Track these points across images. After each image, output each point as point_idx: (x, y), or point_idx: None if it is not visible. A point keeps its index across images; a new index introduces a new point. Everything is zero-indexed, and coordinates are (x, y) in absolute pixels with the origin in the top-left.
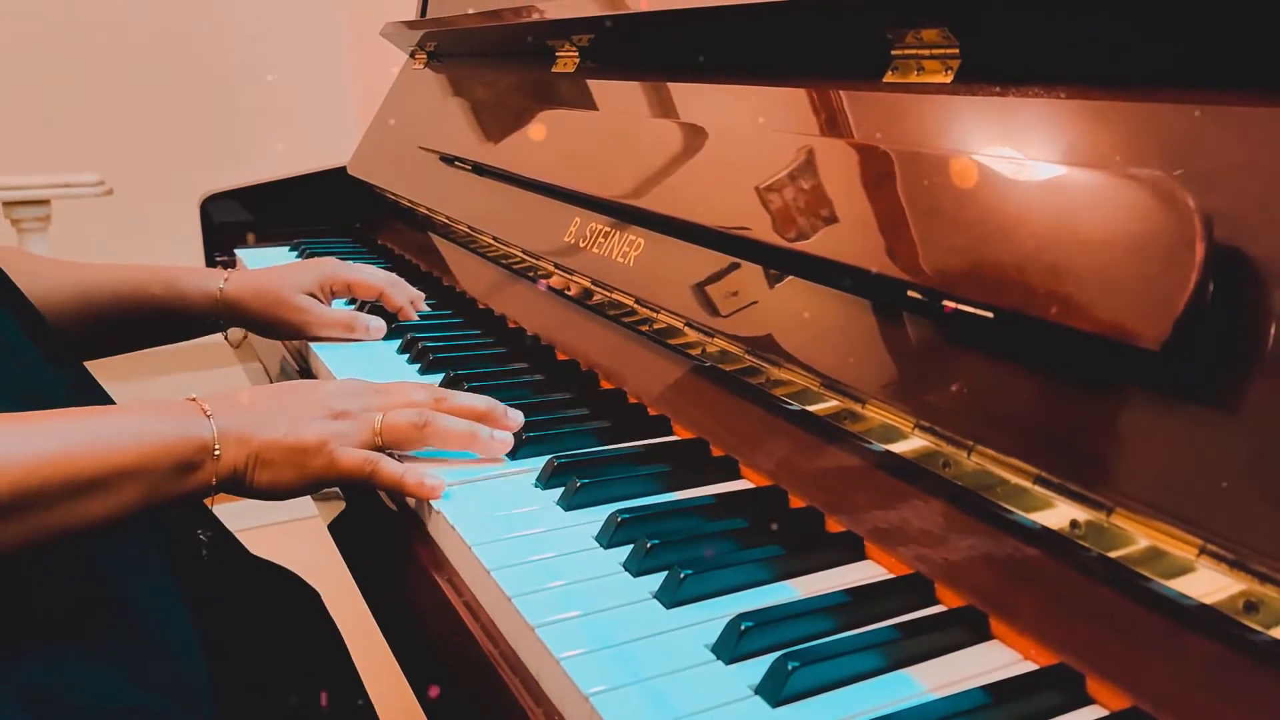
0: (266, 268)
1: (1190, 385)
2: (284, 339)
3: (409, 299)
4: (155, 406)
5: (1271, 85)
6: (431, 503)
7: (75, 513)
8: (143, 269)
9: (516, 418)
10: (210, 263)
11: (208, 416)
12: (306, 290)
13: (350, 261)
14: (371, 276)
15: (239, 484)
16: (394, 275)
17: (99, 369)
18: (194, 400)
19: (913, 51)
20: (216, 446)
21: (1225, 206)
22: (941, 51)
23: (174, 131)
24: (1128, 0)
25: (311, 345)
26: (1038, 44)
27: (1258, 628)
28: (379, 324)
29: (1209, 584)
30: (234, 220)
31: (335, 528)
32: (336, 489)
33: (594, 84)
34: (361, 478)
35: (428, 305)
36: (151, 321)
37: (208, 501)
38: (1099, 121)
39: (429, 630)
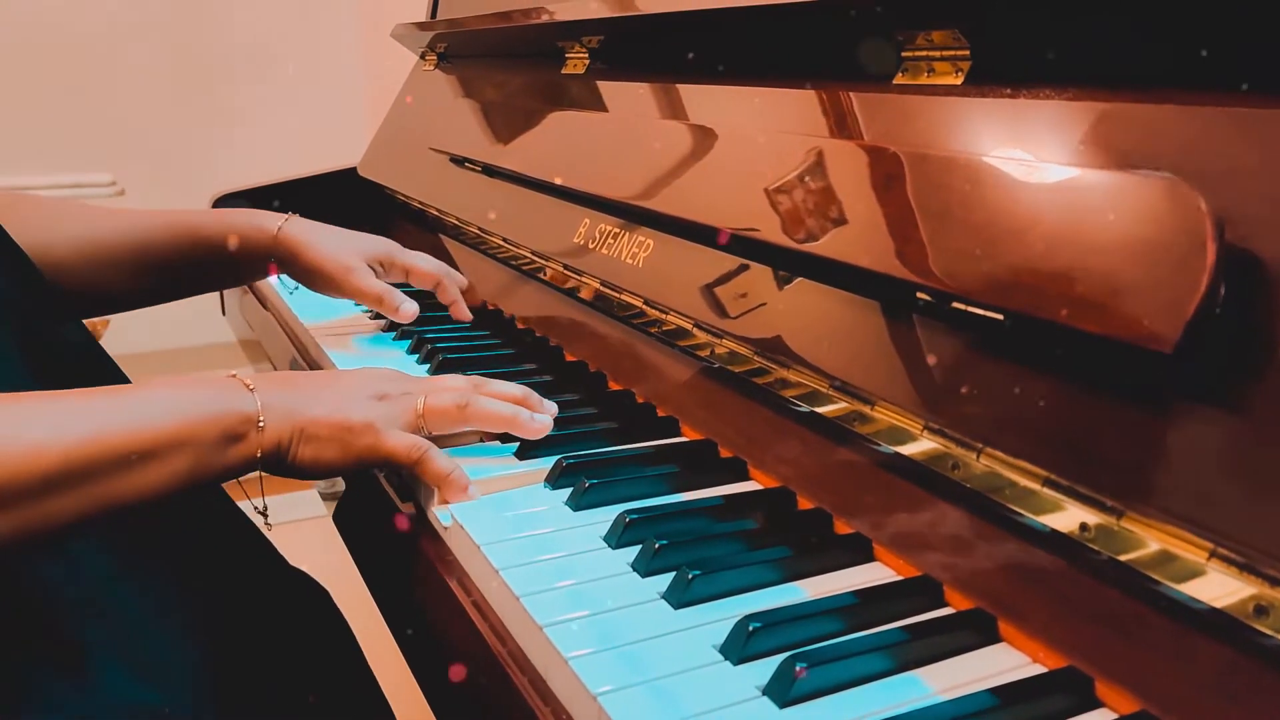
0: (326, 225)
1: (1201, 388)
2: (321, 292)
3: (459, 293)
4: (198, 381)
5: None
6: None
7: (125, 485)
8: (193, 214)
9: (551, 406)
10: None
11: (251, 390)
12: (366, 255)
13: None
14: (429, 264)
15: (281, 460)
16: (448, 266)
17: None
18: (234, 376)
19: (923, 53)
20: (261, 419)
21: (1237, 208)
22: (952, 53)
23: (186, 132)
24: (1137, 2)
25: (321, 345)
26: (1048, 45)
27: (1268, 631)
28: (412, 307)
29: (1219, 587)
30: None
31: (340, 519)
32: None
33: (603, 85)
34: (408, 464)
35: (438, 302)
36: (209, 265)
37: (248, 486)
38: (1110, 123)
39: (437, 628)
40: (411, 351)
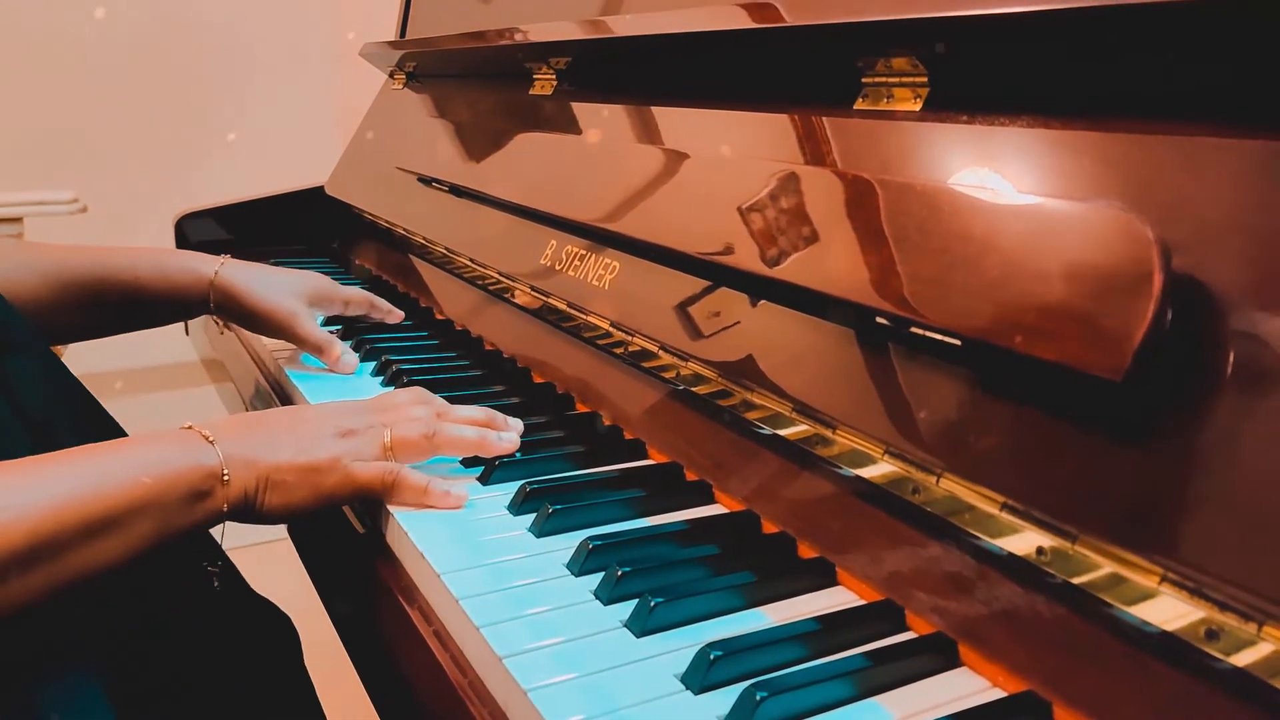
0: (261, 265)
1: (1151, 414)
2: (262, 334)
3: (389, 308)
4: (154, 438)
5: (1229, 117)
6: (402, 528)
7: (91, 556)
8: (125, 251)
9: (516, 425)
10: None
11: (210, 443)
12: (304, 295)
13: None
14: (361, 294)
15: (249, 509)
16: (369, 293)
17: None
18: (190, 428)
19: (883, 79)
20: (225, 472)
21: (1185, 237)
22: (911, 79)
23: (150, 149)
24: (1088, 34)
25: (287, 372)
26: (1004, 74)
27: (1218, 655)
28: (352, 359)
29: (1171, 611)
30: (209, 239)
31: (299, 542)
32: None
33: (570, 106)
34: (382, 489)
35: (405, 323)
36: (135, 305)
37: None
38: (1063, 151)
39: (396, 658)
40: (376, 374)
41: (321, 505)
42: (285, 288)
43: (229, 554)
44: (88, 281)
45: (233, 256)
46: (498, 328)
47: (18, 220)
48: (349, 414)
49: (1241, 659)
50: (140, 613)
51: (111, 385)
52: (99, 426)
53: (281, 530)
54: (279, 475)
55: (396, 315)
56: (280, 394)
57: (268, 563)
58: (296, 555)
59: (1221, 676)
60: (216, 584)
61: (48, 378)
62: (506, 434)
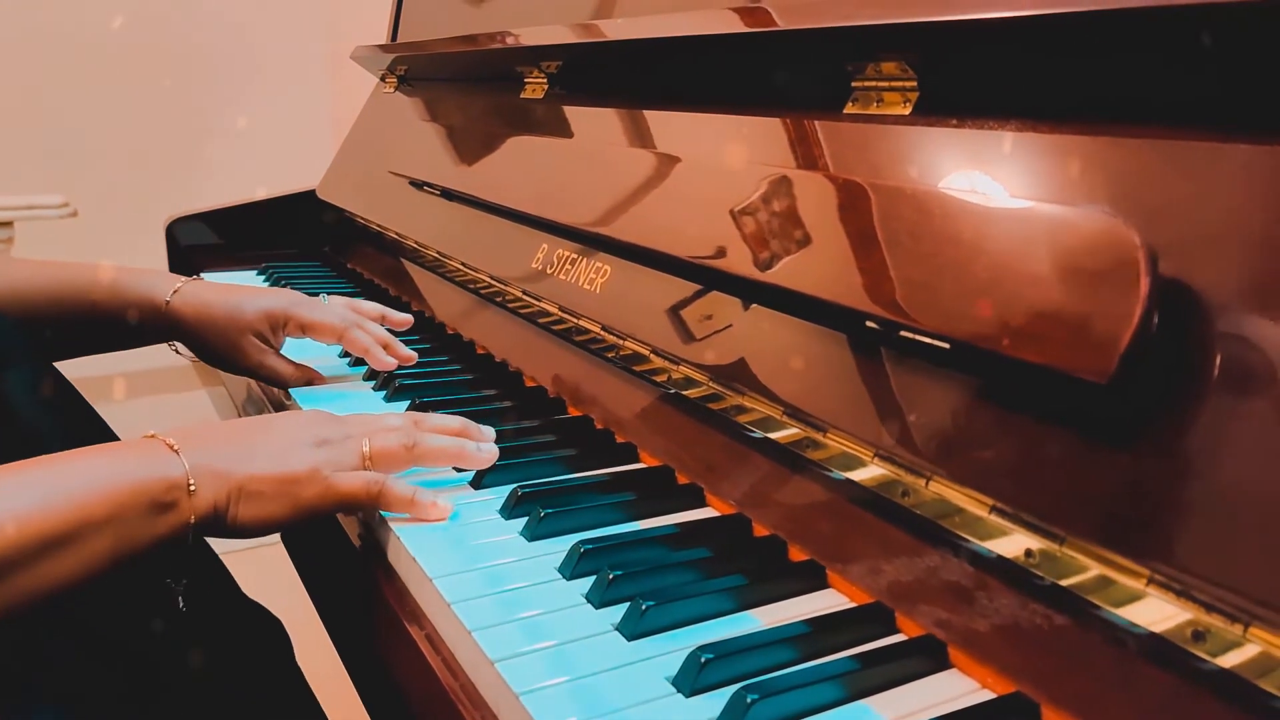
0: (224, 286)
1: (1137, 417)
2: (217, 367)
3: (375, 341)
4: (112, 448)
5: (1216, 122)
6: (394, 532)
7: (40, 577)
8: (86, 268)
9: (490, 434)
10: None
11: (175, 452)
12: (255, 328)
13: (320, 297)
14: (331, 317)
15: (220, 522)
16: (357, 316)
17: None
18: (153, 436)
19: (872, 83)
20: (191, 482)
21: (1171, 241)
22: (900, 84)
23: (140, 153)
24: (1075, 39)
25: None
26: (992, 78)
27: (1205, 656)
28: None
29: (1158, 612)
30: (200, 243)
31: (294, 552)
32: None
33: (562, 110)
34: (366, 500)
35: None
36: (91, 328)
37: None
38: (1050, 156)
39: (389, 661)
40: (367, 378)
41: (300, 518)
42: (239, 322)
43: (221, 556)
44: (47, 300)
45: (222, 262)
46: (490, 331)
47: (8, 224)
48: (323, 423)
49: (1228, 660)
50: (103, 638)
51: (110, 389)
52: (94, 437)
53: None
54: (253, 486)
55: (381, 362)
56: (271, 399)
57: (259, 565)
58: (288, 558)
59: (1208, 677)
60: (182, 603)
61: (39, 387)
62: (485, 445)
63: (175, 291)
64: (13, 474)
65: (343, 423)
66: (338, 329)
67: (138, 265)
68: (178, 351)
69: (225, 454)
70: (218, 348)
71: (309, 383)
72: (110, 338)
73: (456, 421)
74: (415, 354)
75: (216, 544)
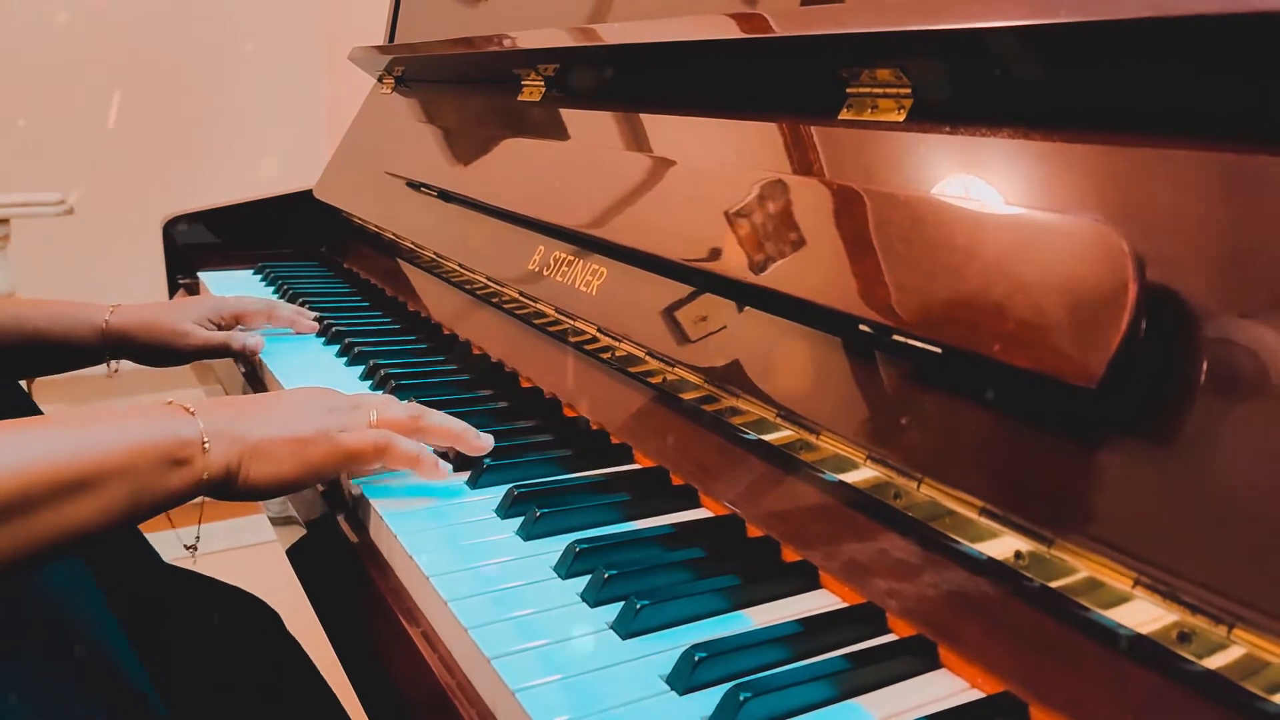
0: (151, 303)
1: (1125, 421)
2: (168, 364)
3: (293, 312)
4: (134, 409)
5: (1206, 131)
6: (391, 530)
7: (63, 518)
8: (24, 302)
9: (487, 441)
10: (173, 285)
11: (192, 414)
12: (198, 314)
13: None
14: (255, 304)
15: (230, 482)
16: (271, 298)
17: (51, 393)
18: (172, 403)
19: (867, 90)
20: (205, 440)
21: (1160, 248)
22: (894, 90)
23: (138, 151)
24: (1068, 49)
25: (265, 363)
26: (985, 86)
27: (1191, 658)
28: (256, 340)
29: (1144, 614)
30: (197, 242)
31: (294, 554)
32: (295, 515)
33: (559, 113)
34: (374, 453)
35: (393, 326)
36: (33, 353)
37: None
38: (1042, 163)
39: (386, 659)
40: (365, 377)
41: (309, 477)
42: (177, 317)
43: (211, 555)
44: None
45: (220, 260)
46: (485, 332)
47: (4, 222)
48: (333, 395)
49: (1213, 661)
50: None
51: (104, 386)
52: None
53: (269, 531)
54: (265, 447)
55: (303, 326)
56: (259, 386)
57: (256, 563)
58: (283, 558)
59: (1194, 678)
60: (193, 555)
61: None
62: (485, 434)
63: (111, 312)
64: (43, 425)
65: (351, 398)
66: (263, 310)
67: (134, 263)
68: (115, 371)
69: (238, 419)
70: (158, 341)
71: (234, 345)
72: (54, 360)
73: (458, 425)
74: (318, 325)
75: (218, 553)
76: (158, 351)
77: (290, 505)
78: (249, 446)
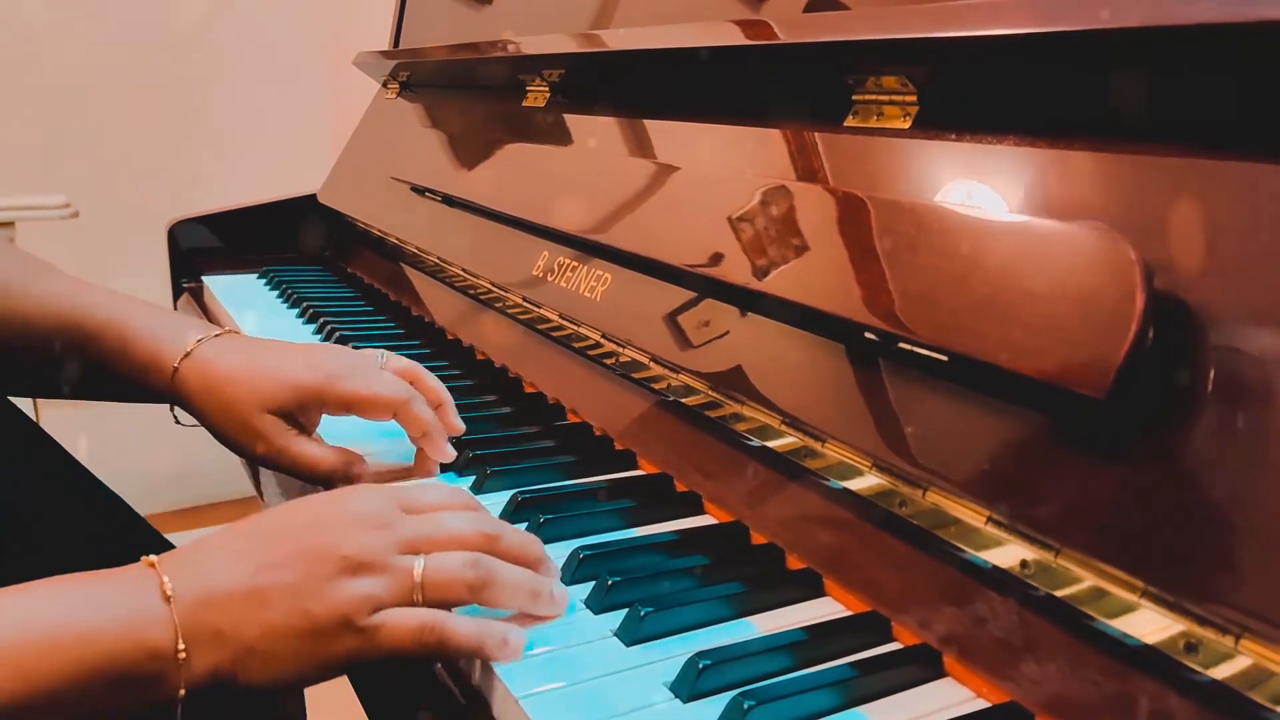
0: (255, 346)
1: (1131, 431)
2: (233, 451)
3: (431, 422)
4: (85, 586)
5: (1214, 140)
6: None
7: None
8: (101, 307)
9: (561, 600)
10: (177, 289)
11: (167, 601)
12: (280, 406)
13: (378, 356)
14: (383, 390)
15: (222, 686)
16: (412, 389)
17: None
18: (153, 564)
19: (872, 97)
20: (181, 649)
21: (1169, 256)
22: (900, 98)
23: (143, 154)
24: (1075, 56)
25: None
26: (991, 94)
27: (1198, 668)
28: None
29: (1151, 624)
30: (202, 246)
31: None
32: None
33: (563, 119)
34: (417, 654)
35: (396, 331)
36: (92, 377)
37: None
38: (1049, 171)
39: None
40: None
41: (330, 675)
42: (255, 400)
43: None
44: (44, 334)
45: (223, 265)
46: (489, 336)
47: (9, 225)
48: (365, 529)
49: (1220, 672)
50: None
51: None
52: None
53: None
54: (265, 645)
55: (441, 453)
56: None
57: None
58: None
59: (1200, 689)
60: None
61: None
62: (559, 586)
63: (189, 352)
64: None
65: (390, 525)
66: (392, 403)
67: (140, 266)
68: (178, 421)
69: (231, 605)
70: (225, 429)
71: (349, 476)
72: (110, 390)
73: (537, 546)
74: (464, 425)
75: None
76: (222, 435)
77: None
78: (244, 646)
